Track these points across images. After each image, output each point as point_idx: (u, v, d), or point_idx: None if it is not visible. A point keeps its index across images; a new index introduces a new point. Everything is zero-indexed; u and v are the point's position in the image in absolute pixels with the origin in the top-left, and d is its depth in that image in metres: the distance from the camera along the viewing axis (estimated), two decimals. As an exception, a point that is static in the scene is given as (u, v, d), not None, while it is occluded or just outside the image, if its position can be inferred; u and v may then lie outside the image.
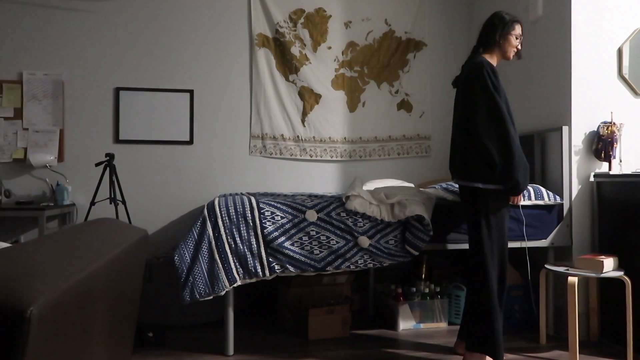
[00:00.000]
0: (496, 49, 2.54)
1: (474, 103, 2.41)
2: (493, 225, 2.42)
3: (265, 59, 3.95)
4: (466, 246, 2.90)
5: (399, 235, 2.78)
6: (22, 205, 3.41)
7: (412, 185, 3.34)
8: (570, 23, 3.02)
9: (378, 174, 4.08)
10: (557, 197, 2.97)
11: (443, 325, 3.22)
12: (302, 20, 3.99)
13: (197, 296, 2.59)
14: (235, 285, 2.64)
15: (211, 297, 2.63)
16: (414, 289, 3.25)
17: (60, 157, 3.67)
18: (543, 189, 2.97)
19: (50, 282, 0.88)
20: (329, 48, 4.04)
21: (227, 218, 2.68)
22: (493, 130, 2.36)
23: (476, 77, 2.42)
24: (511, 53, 2.55)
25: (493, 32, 2.52)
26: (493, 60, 2.54)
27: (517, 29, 2.53)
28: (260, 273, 2.66)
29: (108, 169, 3.29)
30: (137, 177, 3.78)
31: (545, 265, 2.77)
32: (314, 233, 2.72)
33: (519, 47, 2.56)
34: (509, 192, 2.42)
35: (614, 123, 2.95)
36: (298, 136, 3.99)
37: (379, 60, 4.12)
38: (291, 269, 2.69)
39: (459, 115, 2.55)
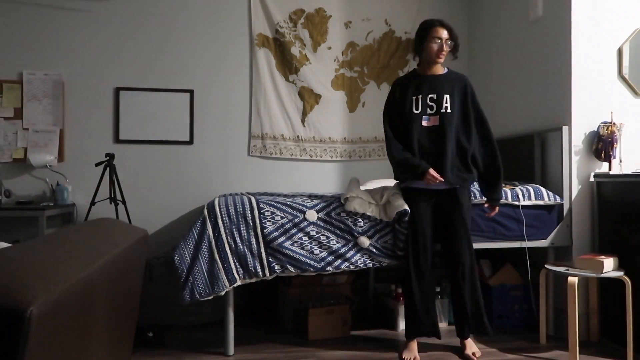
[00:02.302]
0: (421, 54, 2.69)
1: None
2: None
3: (265, 59, 3.95)
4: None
5: (392, 235, 2.78)
6: (22, 205, 3.41)
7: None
8: (570, 23, 3.02)
9: (378, 174, 4.07)
10: (557, 197, 2.96)
11: (443, 325, 3.22)
12: (302, 20, 3.99)
13: (197, 296, 2.59)
14: (235, 285, 2.64)
15: (211, 297, 2.63)
16: (414, 289, 3.24)
17: (60, 157, 3.67)
18: (543, 189, 2.97)
19: (50, 282, 0.88)
20: (329, 48, 4.04)
21: (227, 218, 2.68)
22: None
23: None
24: (434, 57, 2.64)
25: (416, 39, 2.70)
26: (423, 66, 2.71)
27: (437, 32, 2.61)
28: (260, 273, 2.66)
29: (108, 169, 3.29)
30: (137, 177, 3.78)
31: (545, 265, 2.77)
32: (314, 233, 2.72)
33: (445, 49, 2.63)
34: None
35: (614, 123, 2.95)
36: (298, 136, 3.99)
37: (379, 61, 4.12)
38: (291, 269, 2.69)
39: None
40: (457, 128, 2.65)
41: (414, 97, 2.66)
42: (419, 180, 2.62)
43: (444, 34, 2.61)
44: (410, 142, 2.63)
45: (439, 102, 2.64)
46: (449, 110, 2.62)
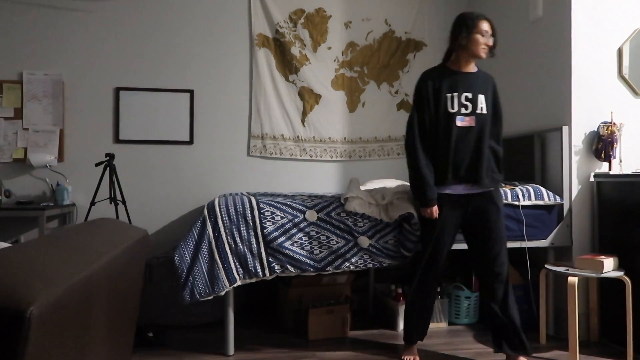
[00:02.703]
0: (460, 50, 2.50)
1: None
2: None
3: (265, 59, 3.95)
4: (465, 246, 2.91)
5: (398, 235, 2.78)
6: (22, 205, 3.41)
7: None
8: (570, 23, 3.02)
9: (378, 174, 4.08)
10: (557, 197, 2.97)
11: (443, 325, 3.22)
12: (302, 20, 3.99)
13: (197, 296, 2.59)
14: (235, 285, 2.64)
15: (211, 297, 2.63)
16: (414, 289, 3.24)
17: (60, 157, 3.67)
18: (543, 189, 2.97)
19: (50, 282, 0.88)
20: (329, 48, 4.04)
21: (227, 218, 2.68)
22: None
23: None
24: (480, 52, 2.48)
25: (456, 33, 2.49)
26: (458, 63, 2.53)
27: (483, 26, 2.46)
28: (260, 273, 2.66)
29: (108, 169, 3.29)
30: (137, 177, 3.78)
31: (545, 265, 2.77)
32: (314, 233, 2.72)
33: (489, 43, 2.48)
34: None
35: (614, 123, 2.95)
36: (298, 136, 3.99)
37: (379, 61, 4.12)
38: (291, 269, 2.69)
39: None
40: (490, 129, 2.54)
41: (449, 95, 2.47)
42: (448, 186, 2.49)
43: (489, 28, 2.47)
44: (445, 143, 2.46)
45: (474, 101, 2.48)
46: (484, 111, 2.49)
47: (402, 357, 2.64)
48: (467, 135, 2.47)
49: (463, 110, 2.47)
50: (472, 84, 2.51)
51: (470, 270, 3.33)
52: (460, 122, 2.47)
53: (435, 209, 2.48)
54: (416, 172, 2.49)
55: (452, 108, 2.47)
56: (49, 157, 3.56)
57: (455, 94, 2.48)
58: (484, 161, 2.48)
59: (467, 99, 2.48)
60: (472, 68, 2.56)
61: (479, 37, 2.44)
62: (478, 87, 2.51)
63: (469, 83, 2.51)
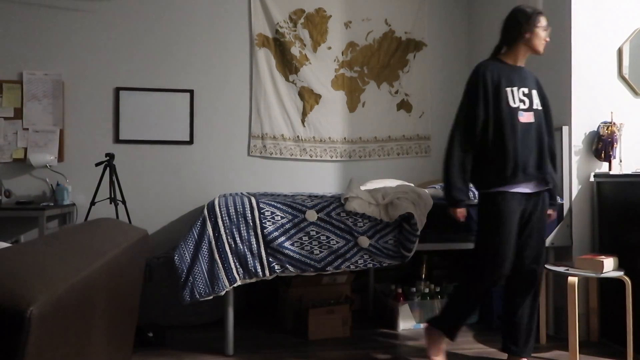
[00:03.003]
0: (522, 45, 2.42)
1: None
2: None
3: (265, 59, 3.95)
4: (465, 246, 2.91)
5: (397, 235, 2.78)
6: (22, 205, 3.41)
7: (411, 185, 3.34)
8: (570, 23, 3.02)
9: (378, 174, 4.08)
10: (557, 197, 2.96)
11: (443, 325, 3.22)
12: (302, 20, 3.99)
13: (197, 296, 2.59)
14: (235, 285, 2.64)
15: (211, 297, 2.63)
16: (414, 289, 3.25)
17: (60, 157, 3.67)
18: (543, 189, 2.97)
19: (50, 282, 0.88)
20: (329, 48, 4.04)
21: (227, 218, 2.68)
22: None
23: (467, 80, 2.46)
24: (541, 47, 2.41)
25: (517, 27, 2.40)
26: (515, 58, 2.44)
27: (544, 21, 2.40)
28: (260, 273, 2.66)
29: (108, 169, 3.29)
30: (137, 177, 3.78)
31: (546, 265, 2.77)
32: (314, 233, 2.72)
33: (547, 39, 2.42)
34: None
35: (614, 123, 2.95)
36: (298, 136, 3.99)
37: (379, 61, 4.12)
38: (291, 269, 2.69)
39: None
40: (544, 127, 2.46)
41: (509, 89, 2.37)
42: (517, 185, 2.37)
43: (547, 24, 2.41)
44: (512, 139, 2.33)
45: (530, 97, 2.41)
46: (539, 107, 2.43)
47: (433, 358, 2.51)
48: (529, 132, 2.37)
49: (522, 106, 2.38)
50: (525, 79, 2.44)
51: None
52: (522, 117, 2.36)
53: (462, 211, 2.42)
54: (446, 170, 2.41)
55: (514, 103, 2.37)
56: (49, 157, 3.56)
57: (515, 89, 2.38)
58: (545, 157, 2.40)
59: (524, 94, 2.40)
60: (523, 63, 2.48)
61: (541, 31, 2.39)
62: (530, 82, 2.45)
63: (523, 78, 2.43)
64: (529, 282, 2.48)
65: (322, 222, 2.74)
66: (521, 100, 2.38)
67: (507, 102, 2.35)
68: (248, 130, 3.95)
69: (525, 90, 2.41)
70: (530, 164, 2.36)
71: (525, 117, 2.37)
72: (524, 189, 2.38)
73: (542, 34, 2.39)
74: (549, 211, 2.55)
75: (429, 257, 3.58)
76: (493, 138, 2.36)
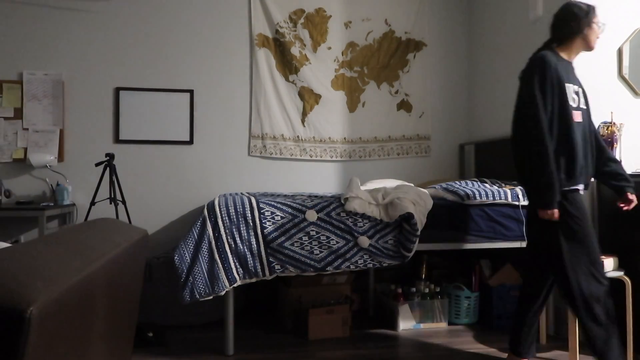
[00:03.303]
0: (578, 40, 2.34)
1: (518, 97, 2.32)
2: None
3: (265, 59, 3.95)
4: (465, 246, 2.91)
5: (397, 235, 2.78)
6: (22, 205, 3.41)
7: (411, 185, 3.34)
8: (570, 23, 3.01)
9: (378, 174, 4.08)
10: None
11: (443, 325, 3.22)
12: (302, 20, 3.99)
13: (197, 296, 2.59)
14: (235, 285, 2.64)
15: (211, 297, 2.63)
16: (414, 289, 3.25)
17: (60, 157, 3.67)
18: (543, 189, 2.97)
19: (50, 282, 0.88)
20: (329, 48, 4.04)
21: (227, 218, 2.68)
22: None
23: (527, 72, 2.28)
24: (595, 43, 2.35)
25: (575, 22, 2.31)
26: (569, 53, 2.37)
27: (598, 18, 2.34)
28: (260, 273, 2.66)
29: (108, 169, 3.29)
30: (137, 177, 3.78)
31: (545, 265, 2.77)
32: (314, 233, 2.72)
33: (599, 36, 2.36)
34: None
35: (614, 123, 2.95)
36: (298, 136, 3.99)
37: (379, 61, 4.12)
38: (291, 269, 2.69)
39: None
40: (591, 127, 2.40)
41: (567, 85, 2.26)
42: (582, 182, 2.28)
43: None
44: (573, 136, 2.23)
45: (578, 95, 2.34)
46: (585, 107, 2.36)
47: None
48: (582, 130, 2.31)
49: (573, 104, 2.29)
50: (575, 77, 2.37)
51: (469, 270, 3.33)
52: (576, 116, 2.29)
53: (557, 210, 2.23)
54: (545, 168, 2.17)
55: (572, 101, 2.28)
56: (49, 157, 3.56)
57: (571, 85, 2.30)
58: (593, 158, 2.37)
59: (574, 91, 2.32)
60: (574, 60, 2.41)
61: (596, 27, 2.33)
62: (578, 80, 2.38)
63: (574, 75, 2.36)
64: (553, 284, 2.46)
65: (322, 222, 2.74)
66: (572, 98, 2.30)
67: (566, 99, 2.26)
68: (248, 130, 3.95)
69: (576, 87, 2.33)
70: (587, 162, 2.32)
71: (578, 116, 2.30)
72: (583, 187, 2.35)
73: (597, 29, 2.34)
74: (632, 196, 2.44)
75: (429, 257, 3.58)
76: (558, 134, 2.25)
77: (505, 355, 2.61)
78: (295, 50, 3.97)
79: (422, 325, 3.19)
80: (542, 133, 2.19)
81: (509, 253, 3.17)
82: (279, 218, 2.71)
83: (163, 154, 3.83)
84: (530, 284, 2.48)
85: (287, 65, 3.98)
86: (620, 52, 3.06)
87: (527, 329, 2.48)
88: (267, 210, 2.72)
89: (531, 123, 2.20)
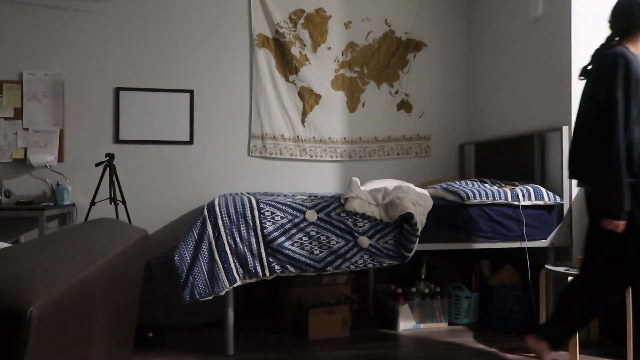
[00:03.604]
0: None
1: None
2: None
3: (265, 59, 3.95)
4: (465, 246, 2.91)
5: (398, 235, 2.79)
6: (22, 205, 3.41)
7: (411, 185, 3.35)
8: (570, 23, 3.02)
9: (378, 174, 4.08)
10: (557, 197, 2.96)
11: (443, 325, 3.22)
12: (302, 20, 3.99)
13: (197, 296, 2.59)
14: (235, 285, 2.64)
15: (211, 297, 2.63)
16: (414, 289, 3.25)
17: (60, 157, 3.67)
18: (543, 189, 2.97)
19: (50, 282, 0.88)
20: (329, 48, 4.04)
21: (227, 218, 2.68)
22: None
23: (607, 69, 2.13)
24: None
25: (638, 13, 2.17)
26: (635, 48, 2.22)
27: None
28: (260, 273, 2.66)
29: (108, 169, 3.29)
30: (137, 177, 3.78)
31: (545, 266, 2.77)
32: (314, 233, 2.72)
33: None
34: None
35: None
36: (298, 136, 3.99)
37: (379, 61, 4.12)
38: (291, 269, 2.69)
39: (584, 110, 2.24)
40: None
41: None
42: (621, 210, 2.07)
43: None
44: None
45: None
46: None
47: None
48: None
49: None
50: None
51: (469, 270, 3.33)
52: None
53: (623, 223, 2.08)
54: (616, 174, 2.04)
55: None
56: (49, 157, 3.56)
57: None
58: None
59: None
60: None
61: None
62: None
63: None
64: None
65: (322, 222, 2.74)
66: None
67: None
68: (248, 131, 3.95)
69: None
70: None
71: None
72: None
73: None
74: None
75: (429, 257, 3.58)
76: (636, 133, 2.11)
77: (507, 355, 2.61)
78: (295, 50, 3.97)
79: (422, 325, 3.19)
80: (615, 133, 2.04)
81: (509, 253, 3.17)
82: (279, 218, 2.71)
83: (163, 154, 3.83)
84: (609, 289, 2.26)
85: (287, 65, 3.98)
86: None
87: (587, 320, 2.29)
88: (267, 211, 2.73)
89: (608, 127, 2.05)
